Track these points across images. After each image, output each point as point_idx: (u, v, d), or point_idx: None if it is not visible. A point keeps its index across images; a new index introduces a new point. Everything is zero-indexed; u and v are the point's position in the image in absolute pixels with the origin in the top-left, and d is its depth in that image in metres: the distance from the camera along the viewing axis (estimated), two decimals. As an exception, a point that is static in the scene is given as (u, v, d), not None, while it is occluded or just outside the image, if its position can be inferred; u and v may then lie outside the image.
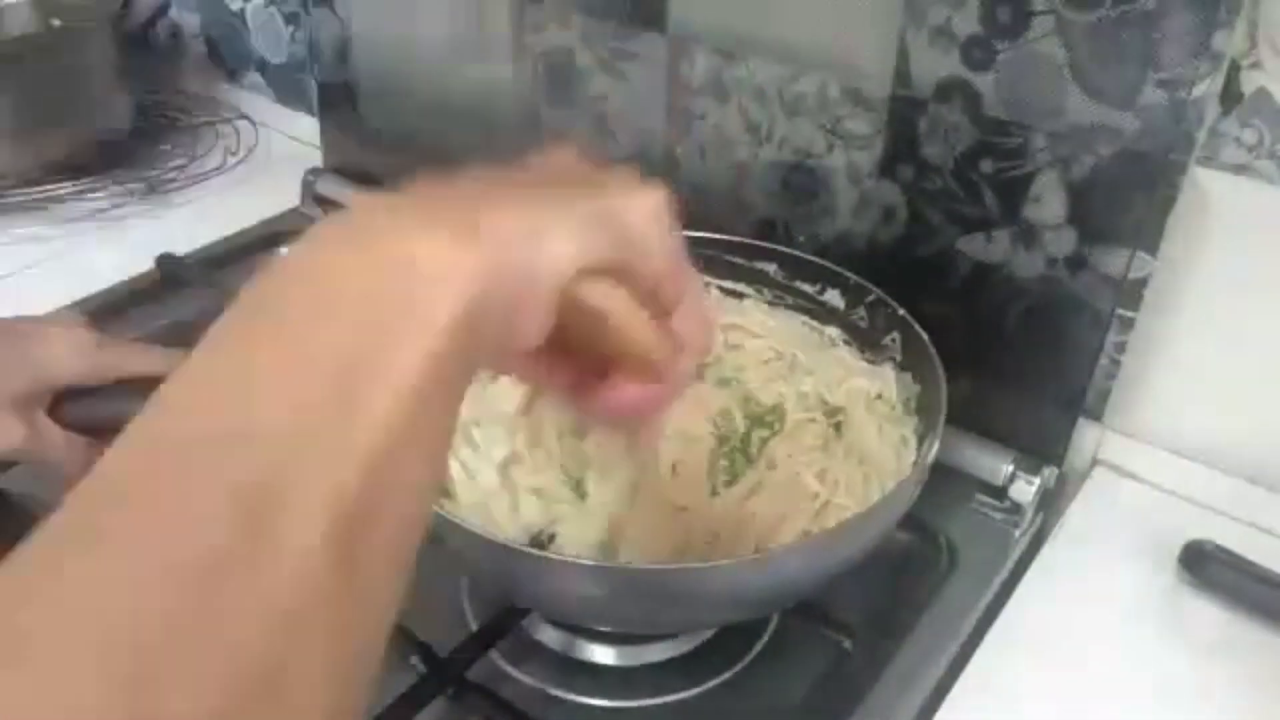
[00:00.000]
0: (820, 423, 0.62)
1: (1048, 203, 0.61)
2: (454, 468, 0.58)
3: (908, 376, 0.62)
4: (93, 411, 0.55)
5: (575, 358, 0.37)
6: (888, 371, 0.64)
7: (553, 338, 0.33)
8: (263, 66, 1.13)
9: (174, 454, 0.24)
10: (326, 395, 0.25)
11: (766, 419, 0.61)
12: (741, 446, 0.60)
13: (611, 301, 0.34)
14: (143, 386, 0.54)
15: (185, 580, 0.22)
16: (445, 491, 0.57)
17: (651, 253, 0.35)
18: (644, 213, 0.35)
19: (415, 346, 0.26)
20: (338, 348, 0.26)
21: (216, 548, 0.22)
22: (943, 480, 0.61)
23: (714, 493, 0.57)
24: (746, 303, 0.69)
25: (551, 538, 0.55)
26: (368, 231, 0.29)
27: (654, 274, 0.35)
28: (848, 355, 0.66)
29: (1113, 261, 0.61)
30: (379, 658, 0.27)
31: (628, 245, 0.34)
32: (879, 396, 0.63)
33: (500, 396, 0.60)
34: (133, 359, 0.56)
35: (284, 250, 0.29)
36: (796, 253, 0.68)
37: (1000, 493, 0.66)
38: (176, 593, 0.22)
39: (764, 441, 0.60)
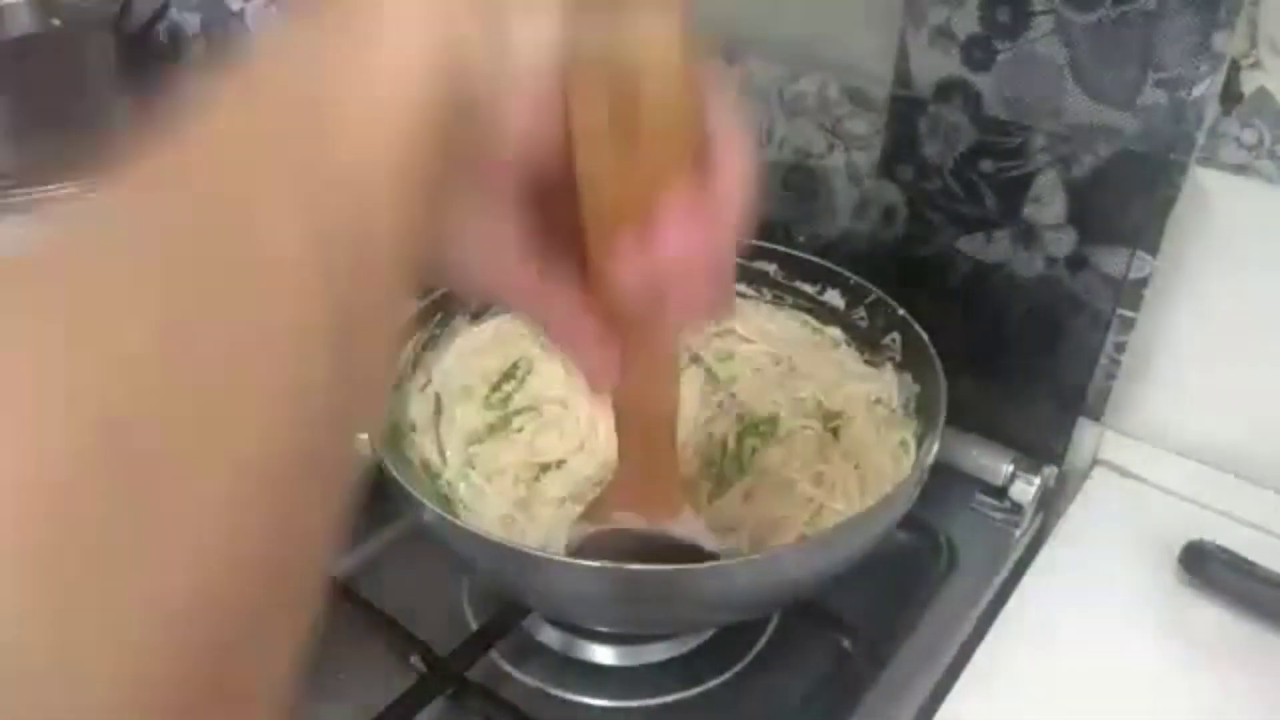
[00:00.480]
0: (815, 430, 0.62)
1: (1048, 203, 0.61)
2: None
3: (907, 376, 0.62)
4: None
5: (581, 254, 0.31)
6: (888, 375, 0.64)
7: (549, 227, 0.28)
8: (263, 66, 1.13)
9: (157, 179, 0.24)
10: (297, 128, 0.24)
11: (761, 429, 0.61)
12: (734, 456, 0.60)
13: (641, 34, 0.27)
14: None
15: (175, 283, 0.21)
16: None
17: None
18: None
19: (386, 86, 0.24)
20: (304, 83, 0.24)
21: (181, 258, 0.21)
22: (943, 480, 0.61)
23: (708, 500, 0.58)
24: (746, 305, 0.69)
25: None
26: None
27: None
28: (848, 359, 0.66)
29: (1113, 261, 0.61)
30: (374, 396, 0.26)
31: None
32: (878, 401, 0.63)
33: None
34: None
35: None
36: (796, 253, 0.68)
37: (1000, 493, 0.66)
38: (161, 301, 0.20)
39: (753, 451, 0.60)
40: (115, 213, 0.23)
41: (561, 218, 0.30)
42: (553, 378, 0.65)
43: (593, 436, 0.61)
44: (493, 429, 0.63)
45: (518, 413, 0.64)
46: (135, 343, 0.20)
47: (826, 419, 0.62)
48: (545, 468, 0.60)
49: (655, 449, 0.43)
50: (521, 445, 0.62)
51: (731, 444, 0.61)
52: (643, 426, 0.42)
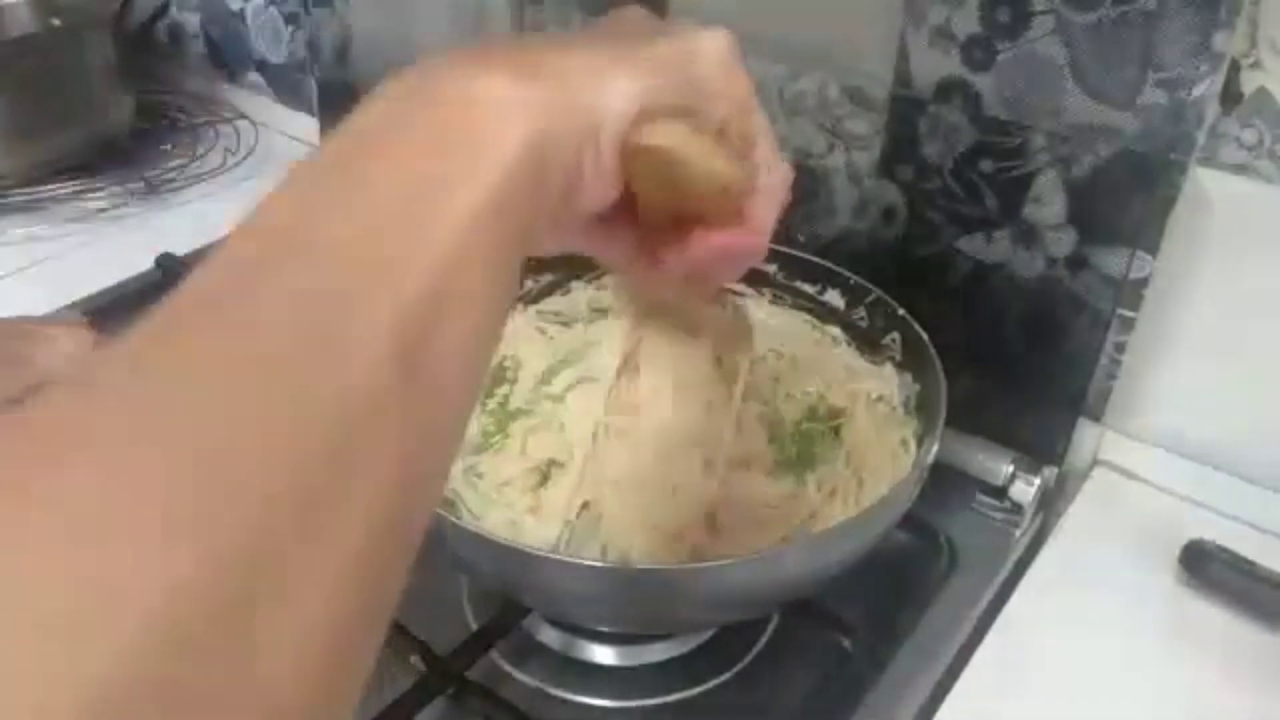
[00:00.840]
0: (819, 427, 0.61)
1: (1048, 203, 0.61)
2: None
3: (907, 376, 0.62)
4: None
5: (641, 226, 0.37)
6: (888, 372, 0.64)
7: (620, 200, 0.33)
8: (263, 66, 1.13)
9: (245, 269, 0.24)
10: (391, 216, 0.26)
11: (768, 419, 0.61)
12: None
13: (678, 136, 0.33)
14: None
15: (248, 382, 0.22)
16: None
17: (719, 94, 0.35)
18: (712, 53, 0.35)
19: (479, 178, 0.27)
20: (402, 178, 0.27)
21: (279, 355, 0.22)
22: (943, 480, 0.61)
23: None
24: (749, 302, 0.69)
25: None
26: (430, 78, 0.29)
27: (723, 116, 0.35)
28: (850, 356, 0.66)
29: (1113, 261, 0.61)
30: (445, 471, 0.28)
31: (694, 87, 0.34)
32: (879, 398, 0.63)
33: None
34: None
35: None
36: (796, 253, 0.68)
37: (1000, 493, 0.66)
38: (239, 393, 0.21)
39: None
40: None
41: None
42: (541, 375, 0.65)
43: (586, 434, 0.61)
44: (489, 437, 0.62)
45: (514, 417, 0.63)
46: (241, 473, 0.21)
47: (831, 415, 0.62)
48: (545, 475, 0.59)
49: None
50: (515, 454, 0.61)
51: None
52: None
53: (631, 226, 0.37)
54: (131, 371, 0.21)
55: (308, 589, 0.21)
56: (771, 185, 0.37)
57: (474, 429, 0.62)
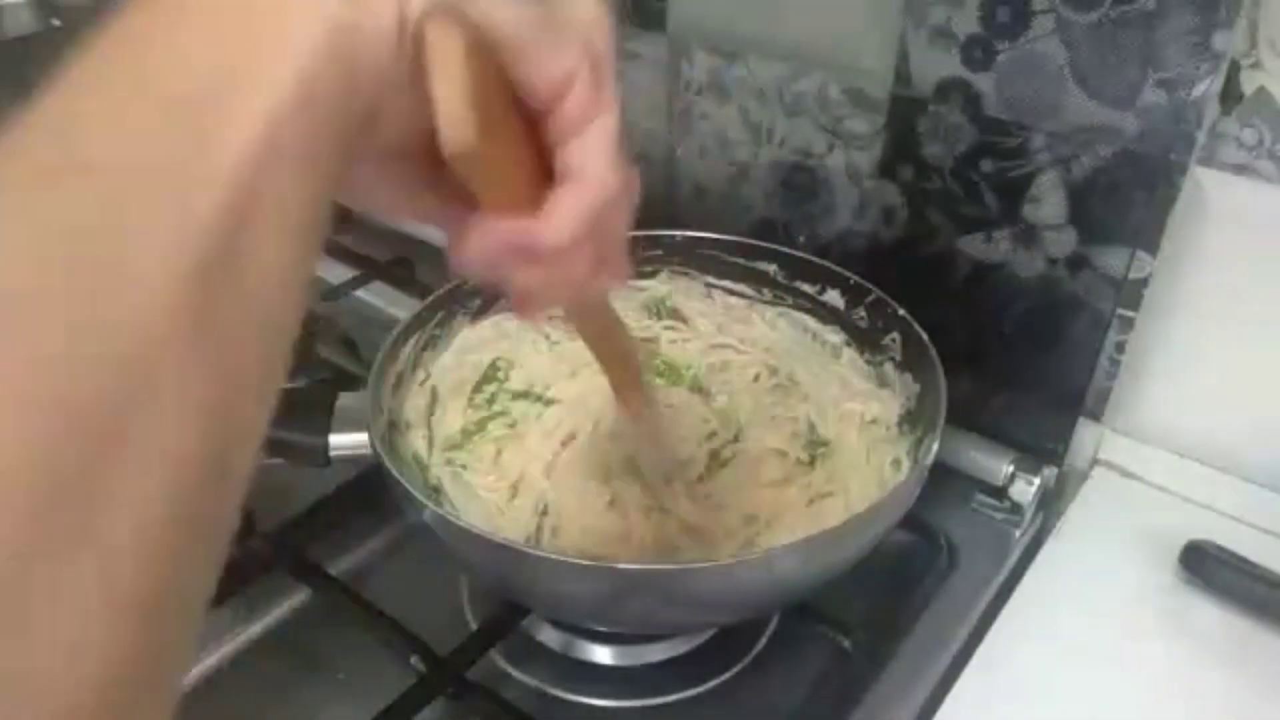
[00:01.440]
0: (798, 457, 0.61)
1: (1048, 203, 0.61)
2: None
3: (907, 376, 0.62)
4: None
5: (448, 196, 0.31)
6: (887, 394, 0.63)
7: (424, 155, 0.28)
8: (263, 66, 1.13)
9: (7, 200, 0.22)
10: (171, 127, 0.23)
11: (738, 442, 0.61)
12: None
13: (440, 59, 0.27)
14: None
15: (19, 318, 0.20)
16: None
17: (569, 25, 0.29)
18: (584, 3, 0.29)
19: (277, 68, 0.24)
20: (185, 74, 0.23)
21: (50, 287, 0.20)
22: (943, 480, 0.61)
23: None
24: (752, 313, 0.69)
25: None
26: None
27: (564, 69, 0.29)
28: (849, 370, 0.66)
29: (1113, 261, 0.61)
30: (267, 392, 0.25)
31: (541, 33, 0.28)
32: (874, 421, 0.62)
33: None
34: None
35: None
36: (796, 253, 0.69)
37: (1000, 493, 0.66)
38: (7, 330, 0.20)
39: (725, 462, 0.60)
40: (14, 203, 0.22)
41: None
42: (535, 373, 0.65)
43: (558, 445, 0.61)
44: (468, 435, 0.62)
45: (493, 418, 0.63)
46: (49, 346, 0.20)
47: (813, 446, 0.62)
48: (515, 490, 0.59)
49: (613, 353, 0.49)
50: (490, 463, 0.60)
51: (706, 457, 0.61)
52: (595, 338, 0.47)
53: (434, 189, 0.31)
54: None
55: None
56: (586, 181, 0.30)
57: (456, 424, 0.62)
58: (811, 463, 0.61)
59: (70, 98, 0.24)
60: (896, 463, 0.59)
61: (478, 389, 0.64)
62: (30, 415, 0.19)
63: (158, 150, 0.22)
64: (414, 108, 0.27)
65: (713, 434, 0.61)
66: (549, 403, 0.63)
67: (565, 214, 0.30)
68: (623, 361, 0.50)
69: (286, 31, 0.24)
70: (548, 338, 0.67)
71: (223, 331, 0.22)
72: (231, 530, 0.24)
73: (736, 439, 0.61)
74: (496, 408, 0.63)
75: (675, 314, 0.70)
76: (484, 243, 0.31)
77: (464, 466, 0.60)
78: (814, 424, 0.63)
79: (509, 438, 0.61)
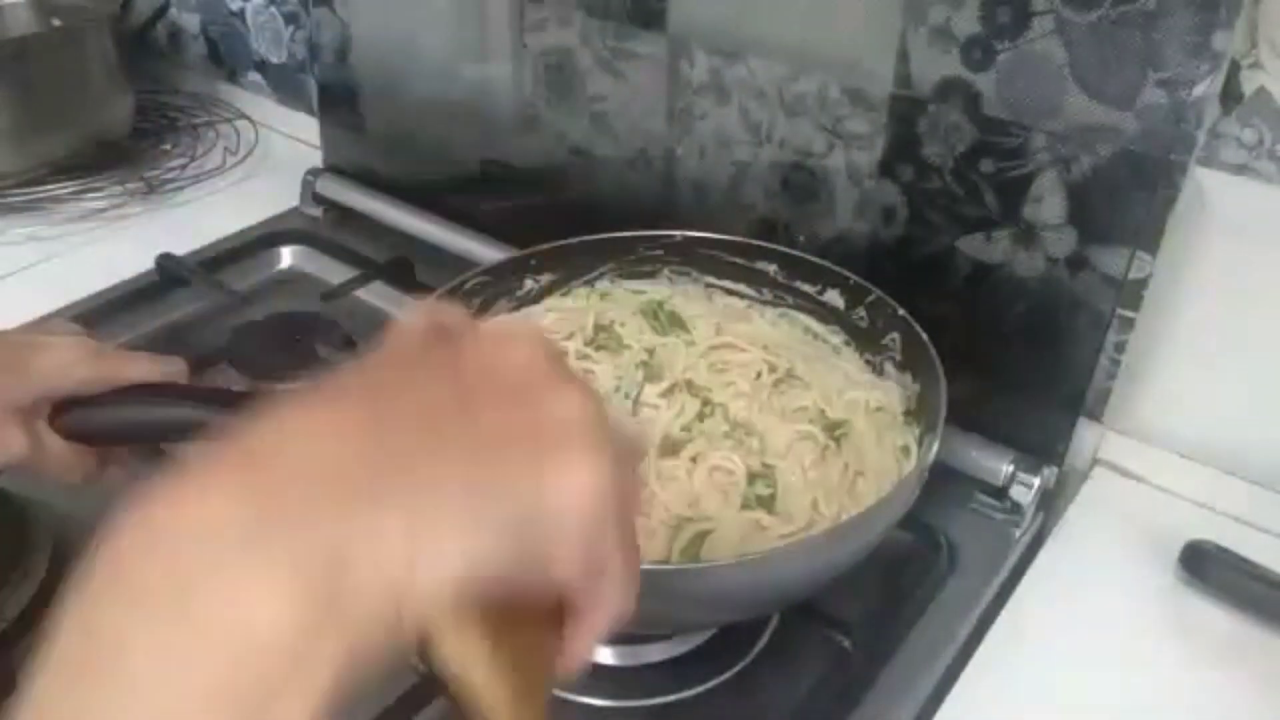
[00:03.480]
0: (817, 439, 0.61)
1: (1048, 203, 0.61)
2: None
3: (907, 376, 0.62)
4: (91, 420, 0.55)
5: None
6: (890, 384, 0.63)
7: None
8: (263, 66, 1.13)
9: None
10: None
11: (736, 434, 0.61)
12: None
13: (466, 669, 0.28)
14: (140, 394, 0.55)
15: None
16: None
17: (561, 562, 0.29)
18: (567, 508, 0.28)
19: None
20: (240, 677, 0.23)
21: None
22: (943, 480, 0.61)
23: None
24: (752, 312, 0.69)
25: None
26: (184, 572, 0.24)
27: (562, 579, 0.29)
28: (850, 367, 0.66)
29: (1113, 261, 0.61)
30: None
31: (535, 560, 0.28)
32: (880, 409, 0.62)
33: None
34: (131, 367, 0.56)
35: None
36: (796, 253, 0.68)
37: (1000, 493, 0.66)
38: None
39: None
40: None
41: None
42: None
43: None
44: None
45: None
46: None
47: (830, 428, 0.62)
48: None
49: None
50: None
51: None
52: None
53: None
54: None
55: None
56: (600, 610, 0.32)
57: None
58: (838, 444, 0.60)
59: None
60: (905, 449, 0.59)
61: None
62: None
63: None
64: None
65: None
66: None
67: (585, 641, 0.32)
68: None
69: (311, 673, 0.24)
70: None
71: None
72: None
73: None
74: None
75: (674, 319, 0.70)
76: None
77: None
78: (823, 410, 0.63)
79: None
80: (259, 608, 0.23)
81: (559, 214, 0.85)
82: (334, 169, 1.00)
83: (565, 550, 0.28)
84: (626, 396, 0.62)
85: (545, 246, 0.69)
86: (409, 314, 0.33)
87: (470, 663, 0.28)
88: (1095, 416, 0.69)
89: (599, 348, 0.65)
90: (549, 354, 0.30)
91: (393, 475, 0.26)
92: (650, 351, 0.65)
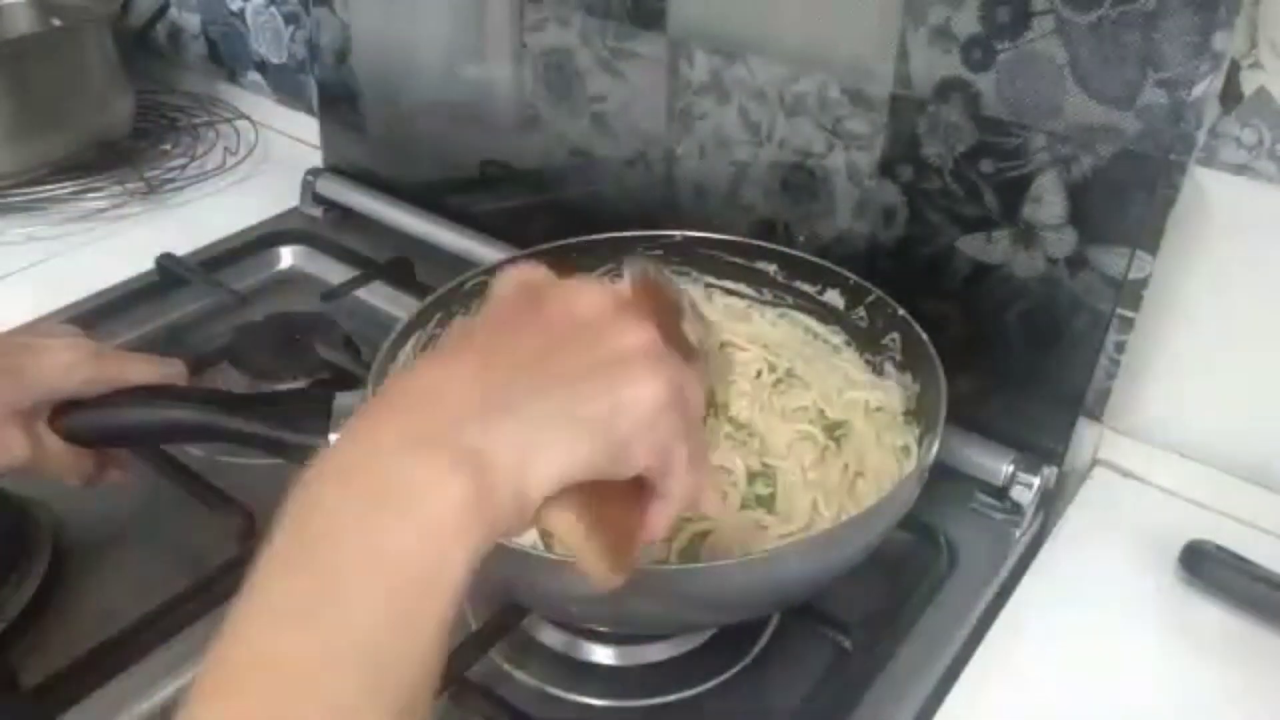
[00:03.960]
0: (816, 439, 0.61)
1: (1048, 203, 0.61)
2: None
3: (907, 376, 0.62)
4: (91, 422, 0.55)
5: None
6: (890, 384, 0.63)
7: None
8: (263, 66, 1.13)
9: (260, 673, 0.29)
10: (388, 614, 0.31)
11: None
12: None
13: (563, 526, 0.37)
14: (140, 396, 0.55)
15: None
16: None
17: (641, 454, 0.37)
18: (641, 408, 0.36)
19: (437, 612, 0.32)
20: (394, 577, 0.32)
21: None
22: (943, 480, 0.61)
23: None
24: (752, 312, 0.69)
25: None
26: (368, 461, 0.33)
27: (643, 466, 0.38)
28: (850, 367, 0.66)
29: (1113, 261, 0.61)
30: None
31: (616, 451, 0.36)
32: (879, 409, 0.62)
33: None
34: (131, 368, 0.56)
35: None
36: (796, 253, 0.69)
37: (1000, 493, 0.66)
38: None
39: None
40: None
41: None
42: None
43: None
44: None
45: None
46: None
47: (830, 428, 0.62)
48: None
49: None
50: None
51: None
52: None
53: None
54: None
55: None
56: (674, 496, 0.40)
57: None
58: (838, 444, 0.61)
59: (270, 615, 0.31)
60: (905, 449, 0.59)
61: None
62: None
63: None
64: None
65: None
66: None
67: (662, 515, 0.40)
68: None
69: (445, 573, 0.32)
70: None
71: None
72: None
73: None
74: None
75: None
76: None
77: None
78: (823, 410, 0.63)
79: None
80: (434, 489, 0.32)
81: (559, 214, 0.85)
82: (334, 169, 1.00)
83: (638, 444, 0.37)
84: None
85: (545, 246, 0.69)
86: (502, 280, 0.41)
87: (571, 531, 0.37)
88: (1095, 416, 0.69)
89: None
90: (614, 300, 0.39)
91: (505, 408, 0.35)
92: None
